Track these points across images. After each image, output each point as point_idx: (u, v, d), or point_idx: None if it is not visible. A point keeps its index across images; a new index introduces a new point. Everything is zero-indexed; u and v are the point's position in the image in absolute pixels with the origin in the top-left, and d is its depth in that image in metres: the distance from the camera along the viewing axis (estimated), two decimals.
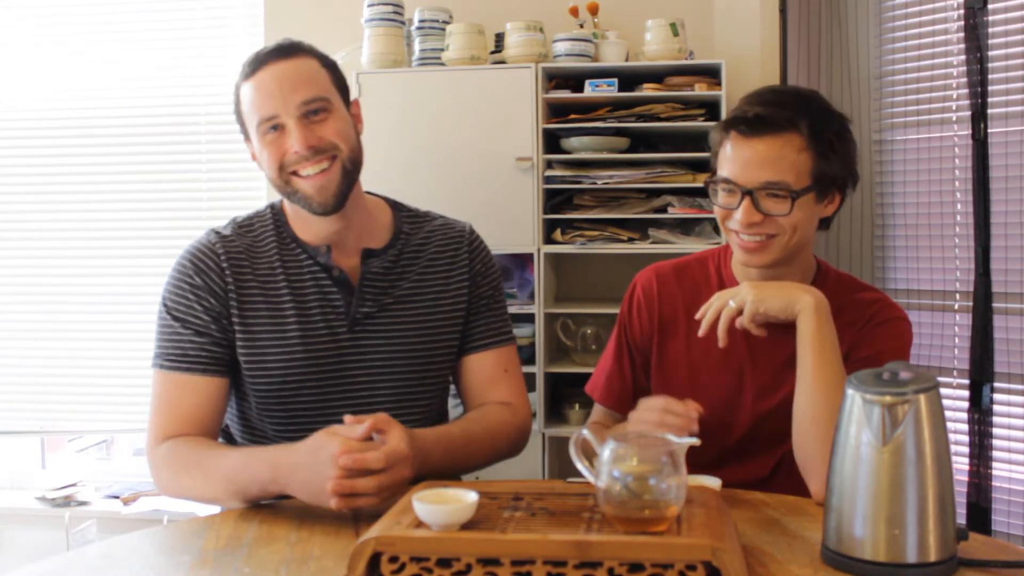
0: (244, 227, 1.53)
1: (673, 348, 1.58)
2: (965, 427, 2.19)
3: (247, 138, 1.50)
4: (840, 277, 1.58)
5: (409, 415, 1.49)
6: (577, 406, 2.47)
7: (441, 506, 0.98)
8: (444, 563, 0.94)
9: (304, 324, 1.45)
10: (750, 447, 1.52)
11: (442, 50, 2.46)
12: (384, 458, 1.16)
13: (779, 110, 1.41)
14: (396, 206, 1.61)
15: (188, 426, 1.40)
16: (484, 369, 1.57)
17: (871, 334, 1.47)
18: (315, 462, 1.18)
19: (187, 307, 1.43)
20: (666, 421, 1.32)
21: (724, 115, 2.33)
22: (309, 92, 1.41)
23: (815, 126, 1.42)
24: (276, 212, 1.54)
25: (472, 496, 1.01)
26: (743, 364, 1.51)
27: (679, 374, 1.56)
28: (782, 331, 1.43)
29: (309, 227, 1.50)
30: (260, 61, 1.43)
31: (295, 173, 1.42)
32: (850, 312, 1.49)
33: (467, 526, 0.99)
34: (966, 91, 2.20)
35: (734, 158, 1.43)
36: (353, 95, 1.58)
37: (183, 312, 1.44)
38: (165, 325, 1.45)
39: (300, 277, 1.47)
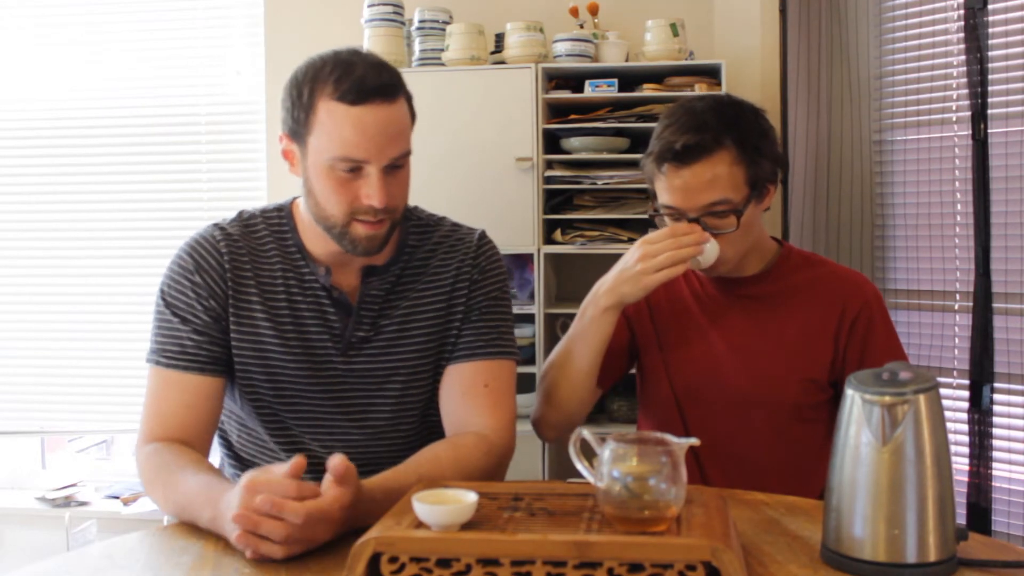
0: (248, 226, 1.44)
1: (660, 324, 1.65)
2: (965, 427, 2.19)
3: (293, 137, 1.37)
4: (803, 254, 1.66)
5: (407, 427, 1.46)
6: None
7: (441, 506, 0.98)
8: (444, 563, 0.94)
9: (303, 342, 1.40)
10: (752, 414, 1.56)
11: (442, 50, 2.46)
12: (305, 513, 1.04)
13: (702, 135, 1.46)
14: (406, 214, 1.49)
15: (178, 429, 1.33)
16: (461, 381, 1.42)
17: (871, 341, 1.54)
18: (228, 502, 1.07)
19: (187, 304, 1.37)
20: (681, 246, 1.44)
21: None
22: (401, 147, 1.33)
23: (740, 137, 1.48)
24: (285, 216, 1.45)
25: (472, 496, 1.01)
26: (718, 337, 1.59)
27: (666, 345, 1.63)
28: (752, 301, 1.58)
29: (320, 242, 1.40)
30: (363, 93, 1.28)
31: (355, 218, 1.34)
32: (830, 291, 1.57)
33: (467, 526, 0.98)
34: (966, 91, 2.20)
35: (671, 188, 1.50)
36: None
37: (183, 309, 1.37)
38: (164, 320, 1.38)
39: (301, 291, 1.41)
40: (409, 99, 1.38)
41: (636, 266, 1.46)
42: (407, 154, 1.36)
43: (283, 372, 1.40)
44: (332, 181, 1.32)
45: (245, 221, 1.45)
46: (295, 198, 1.47)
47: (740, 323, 1.59)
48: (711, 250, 1.47)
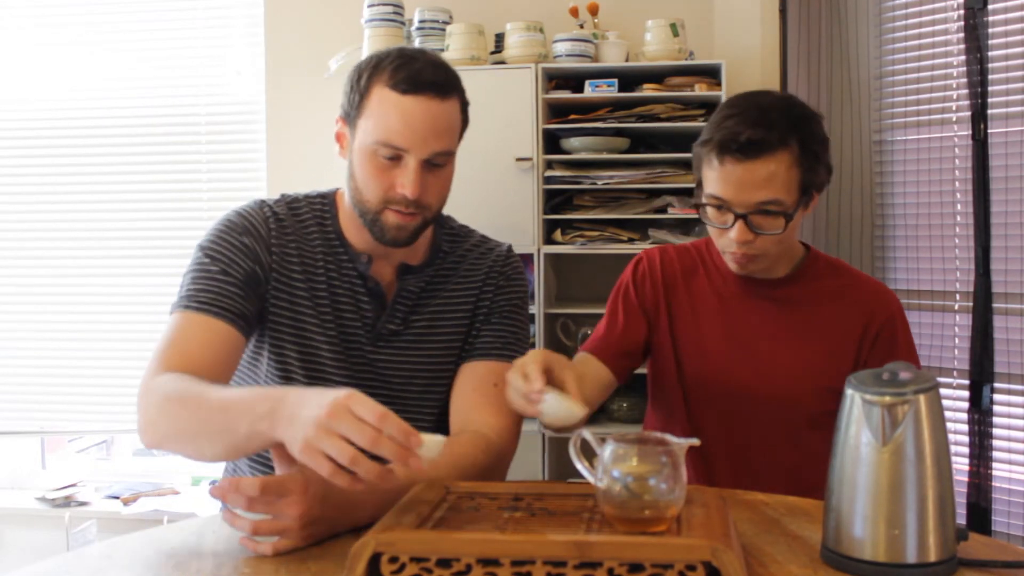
0: (292, 207, 1.46)
1: (677, 316, 1.62)
2: (965, 427, 2.19)
3: (347, 119, 1.40)
4: (830, 260, 1.64)
5: (427, 424, 1.48)
6: None
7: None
8: (444, 563, 0.94)
9: (338, 325, 1.42)
10: (766, 418, 1.54)
11: (442, 50, 2.46)
12: (260, 485, 1.04)
13: (770, 131, 1.41)
14: (439, 220, 1.54)
15: (198, 365, 1.26)
16: (473, 378, 1.45)
17: (894, 354, 1.51)
18: (315, 403, 1.01)
19: (229, 259, 1.37)
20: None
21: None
22: (444, 144, 1.35)
23: (804, 141, 1.44)
24: (328, 204, 1.48)
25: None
26: (737, 337, 1.57)
27: (681, 342, 1.61)
28: (775, 304, 1.56)
29: (360, 232, 1.44)
30: (416, 84, 1.32)
31: (388, 206, 1.37)
32: (856, 300, 1.56)
33: (466, 527, 0.98)
34: (966, 91, 2.20)
35: (725, 179, 1.44)
36: None
37: (224, 262, 1.36)
38: (201, 270, 1.36)
39: (339, 276, 1.44)
40: (464, 104, 1.41)
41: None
42: (449, 153, 1.38)
43: (316, 352, 1.42)
44: (372, 166, 1.35)
45: (289, 203, 1.48)
46: (338, 188, 1.50)
47: (761, 325, 1.57)
48: (552, 409, 1.19)
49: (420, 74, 1.33)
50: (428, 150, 1.33)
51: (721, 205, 1.46)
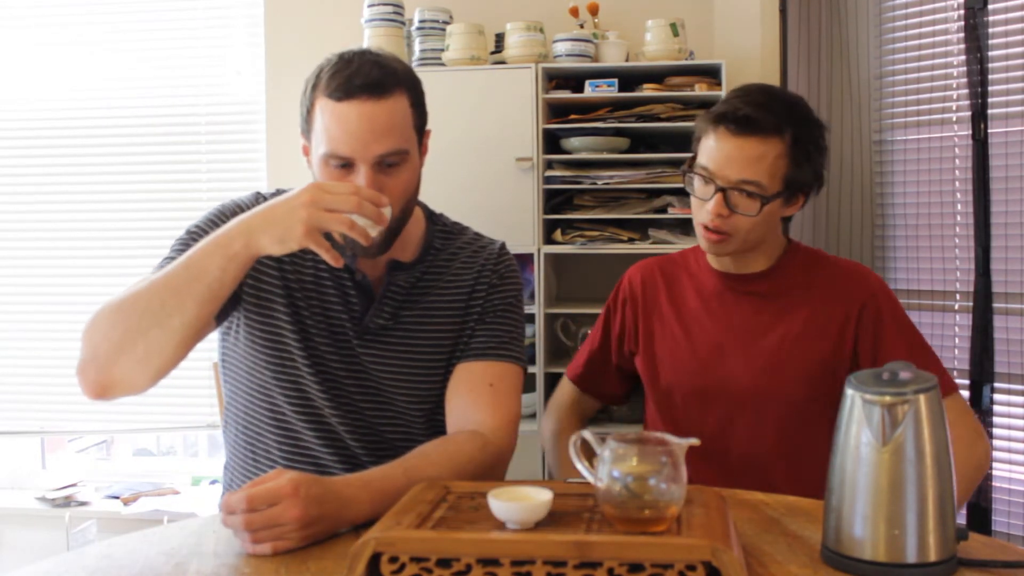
0: None
1: (657, 329, 1.68)
2: None
3: (304, 134, 1.40)
4: (809, 251, 1.68)
5: (420, 418, 1.48)
6: None
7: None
8: (444, 563, 0.94)
9: (326, 316, 1.42)
10: (748, 412, 1.57)
11: (442, 50, 2.46)
12: (247, 498, 1.05)
13: (767, 114, 1.49)
14: (432, 217, 1.56)
15: None
16: (468, 378, 1.44)
17: (882, 331, 1.55)
18: (287, 199, 1.21)
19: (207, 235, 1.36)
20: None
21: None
22: (391, 144, 1.32)
23: (798, 135, 1.51)
24: None
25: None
26: (722, 333, 1.62)
27: (664, 351, 1.66)
28: (757, 298, 1.61)
29: None
30: (350, 90, 1.30)
31: None
32: (835, 286, 1.59)
33: (465, 526, 0.98)
34: (966, 91, 2.20)
35: (716, 150, 1.51)
36: None
37: (201, 238, 1.36)
38: (179, 242, 1.40)
39: (329, 268, 1.43)
40: (413, 97, 1.39)
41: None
42: (400, 152, 1.35)
43: (311, 338, 1.42)
44: (328, 177, 1.34)
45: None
46: None
47: (744, 319, 1.60)
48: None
49: (352, 78, 1.30)
50: (373, 154, 1.31)
51: (708, 178, 1.52)
